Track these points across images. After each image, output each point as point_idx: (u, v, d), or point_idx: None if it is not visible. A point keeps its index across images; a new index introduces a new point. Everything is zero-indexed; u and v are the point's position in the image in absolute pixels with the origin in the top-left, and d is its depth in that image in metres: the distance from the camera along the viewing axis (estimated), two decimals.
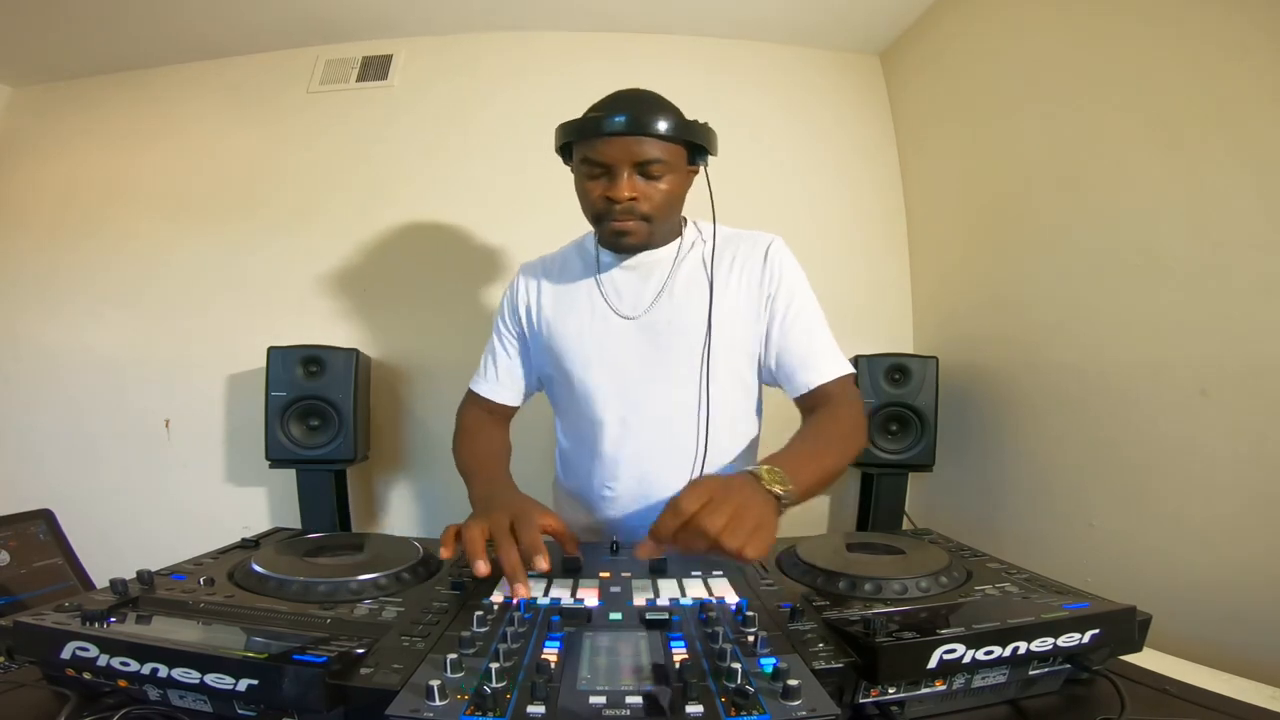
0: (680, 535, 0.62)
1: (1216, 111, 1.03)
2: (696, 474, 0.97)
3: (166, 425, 1.85)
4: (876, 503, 1.65)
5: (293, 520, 1.62)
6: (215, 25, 1.83)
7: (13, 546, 0.86)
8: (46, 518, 0.93)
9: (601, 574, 0.74)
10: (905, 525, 1.66)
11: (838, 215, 1.92)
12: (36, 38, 1.82)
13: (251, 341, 1.75)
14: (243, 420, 1.81)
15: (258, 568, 0.70)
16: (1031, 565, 0.77)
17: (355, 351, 1.63)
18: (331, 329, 1.85)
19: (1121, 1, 1.21)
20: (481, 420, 1.09)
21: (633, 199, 0.89)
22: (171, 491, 1.82)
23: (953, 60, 1.71)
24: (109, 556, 1.67)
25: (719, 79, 1.93)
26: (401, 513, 1.88)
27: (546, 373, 1.07)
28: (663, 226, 0.96)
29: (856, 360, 1.64)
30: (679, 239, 1.03)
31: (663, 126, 0.87)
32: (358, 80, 1.94)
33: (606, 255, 1.03)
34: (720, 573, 0.75)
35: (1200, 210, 1.06)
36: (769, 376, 1.02)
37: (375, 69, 1.94)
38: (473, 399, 1.10)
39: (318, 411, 1.60)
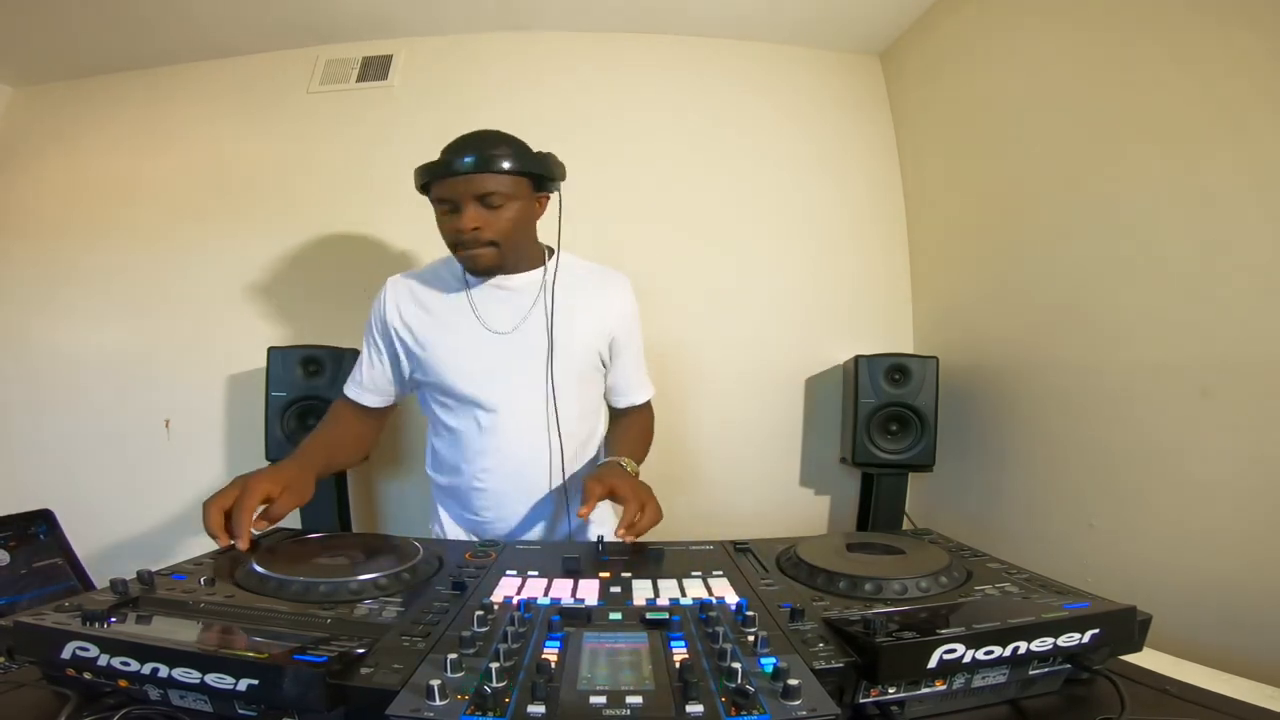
0: (628, 526, 0.89)
1: (1217, 112, 1.03)
2: (568, 467, 1.14)
3: (166, 425, 1.85)
4: (876, 503, 1.65)
5: (293, 520, 1.61)
6: (216, 25, 1.83)
7: (13, 546, 0.86)
8: (46, 518, 0.93)
9: (601, 574, 0.75)
10: (905, 525, 1.66)
11: (837, 215, 1.92)
12: (37, 38, 1.82)
13: (251, 341, 1.75)
14: (243, 420, 1.81)
15: (258, 568, 0.70)
16: (1031, 565, 0.77)
17: (355, 351, 1.62)
18: (331, 329, 1.85)
19: (1121, 2, 1.21)
20: (338, 413, 1.20)
21: (476, 229, 1.01)
22: (171, 491, 1.82)
23: (953, 61, 1.71)
24: (109, 556, 1.69)
25: (719, 79, 1.93)
26: (401, 513, 1.88)
27: (420, 380, 1.16)
28: (512, 250, 1.07)
29: (857, 360, 1.64)
30: (542, 266, 1.15)
31: (496, 162, 1.00)
32: (358, 80, 1.94)
33: (474, 277, 1.13)
34: (720, 572, 0.76)
35: (1200, 210, 1.06)
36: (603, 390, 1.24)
37: (375, 69, 1.94)
38: (343, 400, 1.21)
39: (317, 412, 1.60)
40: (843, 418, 1.78)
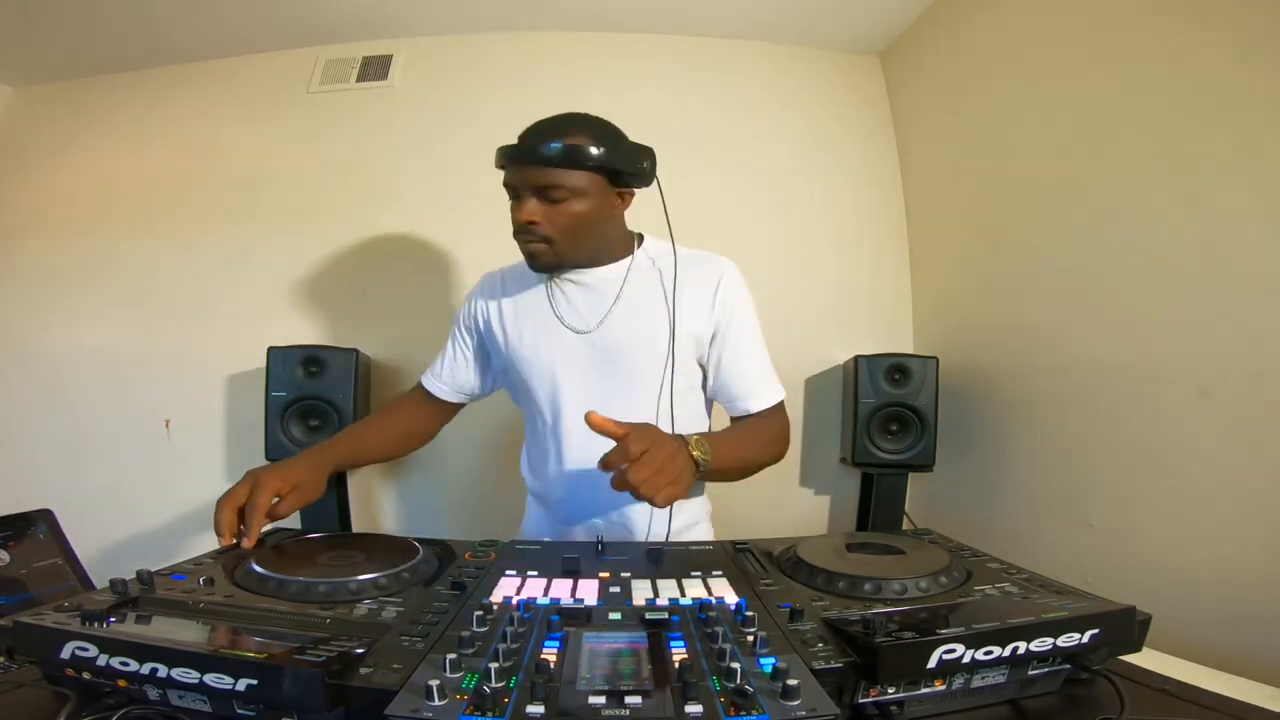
0: (623, 472, 0.73)
1: (1217, 112, 1.03)
2: None
3: (166, 425, 1.86)
4: (876, 503, 1.65)
5: (293, 520, 1.62)
6: (216, 25, 1.83)
7: (13, 546, 0.86)
8: (46, 518, 0.93)
9: (601, 574, 0.74)
10: (905, 525, 1.66)
11: (838, 215, 1.92)
12: (36, 38, 1.82)
13: (251, 341, 1.75)
14: (243, 420, 1.81)
15: (258, 568, 0.70)
16: (1031, 565, 0.77)
17: (355, 351, 1.63)
18: (331, 329, 1.85)
19: (1121, 2, 1.21)
20: (400, 403, 1.17)
21: (531, 222, 0.94)
22: (171, 491, 1.82)
23: (953, 60, 1.71)
24: (109, 556, 1.69)
25: (719, 79, 1.93)
26: (401, 513, 1.88)
27: (511, 378, 1.11)
28: (576, 248, 0.99)
29: (856, 360, 1.64)
30: (629, 257, 1.06)
31: (559, 154, 0.91)
32: (358, 80, 1.94)
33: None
34: (720, 572, 0.75)
35: (1200, 210, 1.05)
36: (711, 394, 1.09)
37: (375, 69, 1.94)
38: (417, 387, 1.17)
39: (318, 411, 1.60)
40: (843, 418, 1.78)
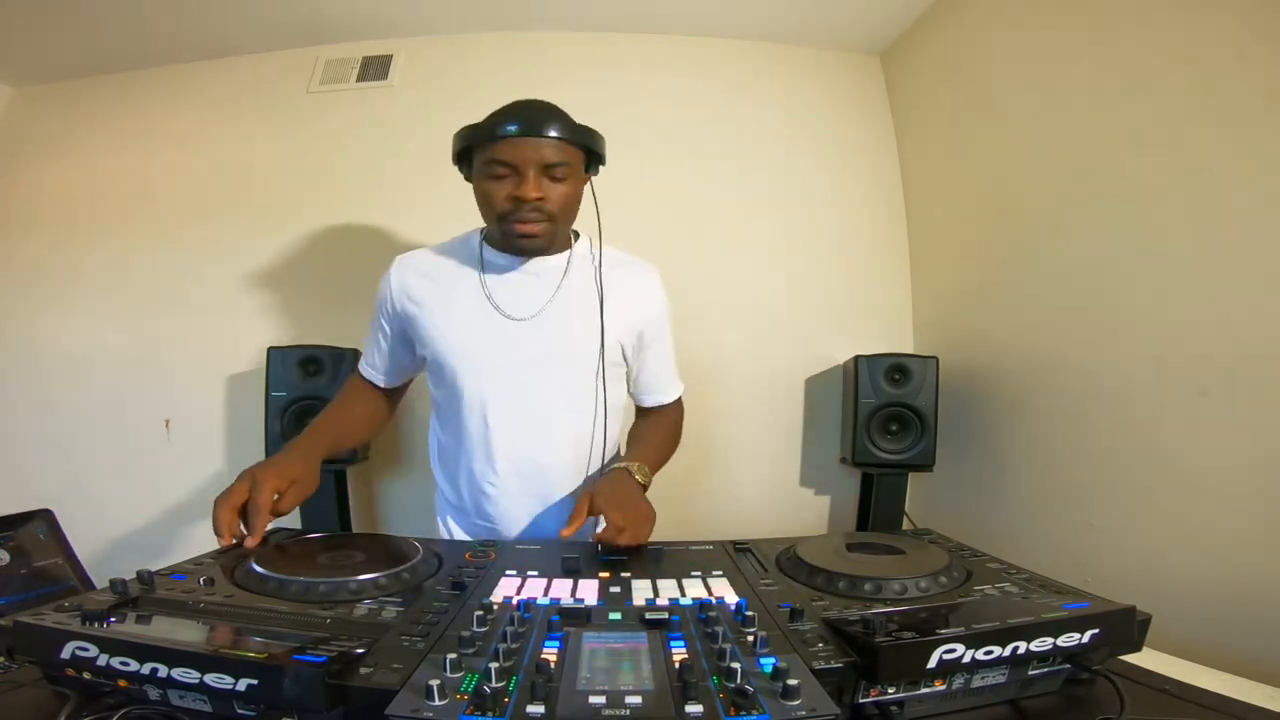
0: (596, 536, 0.84)
1: (1216, 111, 1.03)
2: (591, 469, 1.09)
3: (166, 425, 1.85)
4: (876, 503, 1.65)
5: (293, 520, 1.62)
6: (215, 25, 1.83)
7: (13, 546, 0.86)
8: (46, 518, 0.93)
9: (601, 574, 0.75)
10: (905, 525, 1.66)
11: (838, 215, 1.92)
12: (37, 38, 1.82)
13: (251, 341, 1.75)
14: (243, 420, 1.81)
15: (258, 568, 0.70)
16: (1031, 565, 0.77)
17: (355, 351, 1.63)
18: (331, 329, 1.85)
19: (1121, 2, 1.21)
20: (353, 389, 1.16)
21: (540, 199, 0.94)
22: (171, 491, 1.82)
23: (953, 61, 1.71)
24: (109, 556, 1.69)
25: (719, 79, 1.93)
26: (401, 513, 1.88)
27: (430, 365, 1.09)
28: (563, 229, 1.02)
29: (857, 360, 1.64)
30: (569, 250, 1.08)
31: (567, 130, 0.95)
32: (358, 80, 1.94)
33: (495, 256, 1.06)
34: (720, 572, 0.76)
35: (1200, 210, 1.05)
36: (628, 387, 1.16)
37: (375, 69, 1.94)
38: (357, 374, 1.17)
39: (318, 411, 1.59)
40: (843, 418, 1.78)
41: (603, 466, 1.08)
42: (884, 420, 1.61)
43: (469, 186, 1.98)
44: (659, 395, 1.16)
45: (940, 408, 1.59)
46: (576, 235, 1.11)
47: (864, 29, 1.89)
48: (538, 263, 1.05)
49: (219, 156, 1.94)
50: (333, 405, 1.14)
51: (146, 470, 1.85)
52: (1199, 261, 1.06)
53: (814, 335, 1.89)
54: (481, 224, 1.07)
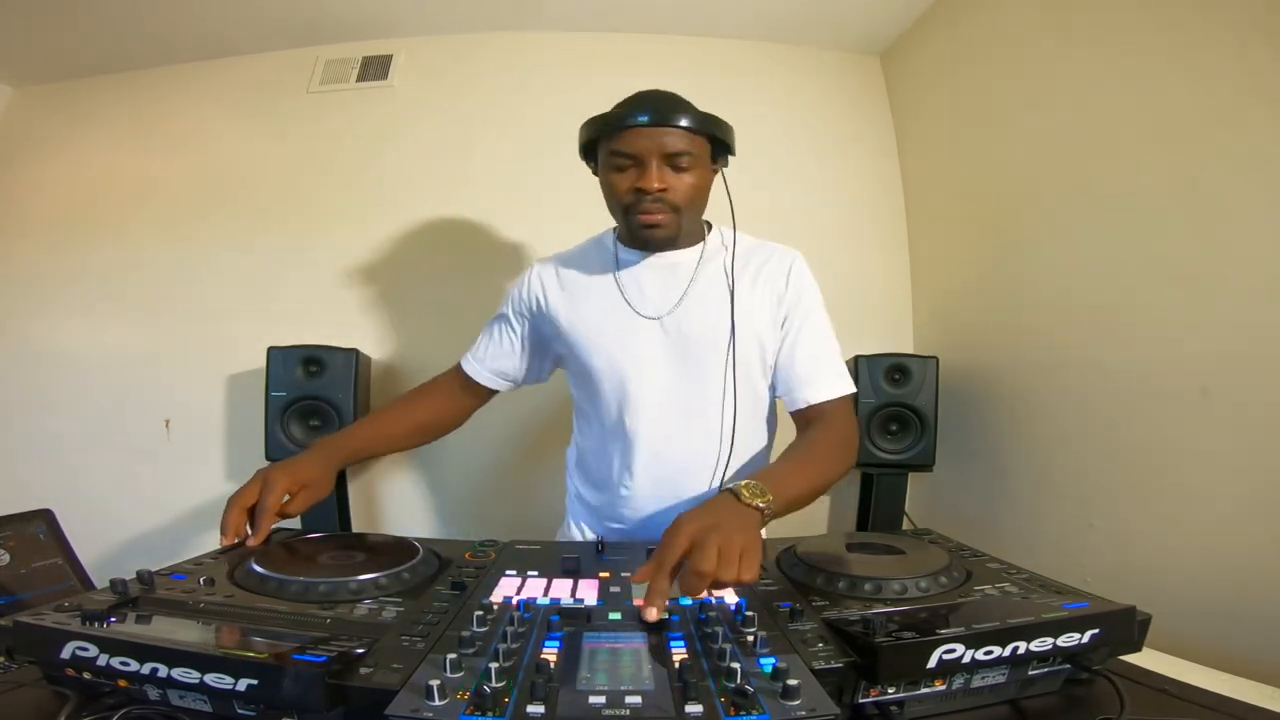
0: (681, 583, 0.61)
1: (1217, 111, 1.03)
2: (720, 476, 0.98)
3: (166, 425, 1.85)
4: (876, 503, 1.65)
5: (293, 520, 1.62)
6: (215, 25, 1.83)
7: (13, 546, 0.86)
8: (46, 518, 0.93)
9: (601, 574, 0.74)
10: (905, 525, 1.66)
11: (837, 215, 1.92)
12: (36, 38, 1.82)
13: (251, 341, 1.75)
14: (243, 420, 1.81)
15: (258, 568, 0.70)
16: (1031, 565, 0.77)
17: (355, 351, 1.63)
18: (331, 329, 1.85)
19: (1121, 1, 1.21)
20: (433, 388, 1.12)
21: (662, 189, 0.92)
22: (171, 491, 1.82)
23: (953, 61, 1.70)
24: (109, 556, 1.69)
25: (719, 79, 1.93)
26: (401, 513, 1.88)
27: (570, 367, 1.08)
28: (690, 221, 0.98)
29: (857, 360, 1.64)
30: (702, 242, 1.04)
31: (689, 119, 0.92)
32: (358, 80, 1.94)
33: (627, 253, 1.04)
34: None
35: (1200, 210, 1.05)
36: (772, 389, 1.04)
37: (375, 69, 1.94)
38: (454, 370, 1.13)
39: (318, 411, 1.60)
40: None
41: (722, 479, 0.97)
42: (884, 420, 1.61)
43: (469, 186, 1.98)
44: (807, 390, 0.96)
45: (940, 408, 1.59)
46: (709, 227, 1.07)
47: (864, 29, 1.89)
48: (668, 256, 1.02)
49: (219, 156, 1.94)
50: (394, 404, 1.11)
51: (146, 470, 1.85)
52: (1199, 261, 1.06)
53: None
54: (611, 224, 1.06)
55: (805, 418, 0.97)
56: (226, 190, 1.91)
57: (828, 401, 0.96)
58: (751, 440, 1.02)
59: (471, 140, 1.90)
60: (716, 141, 0.96)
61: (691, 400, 0.99)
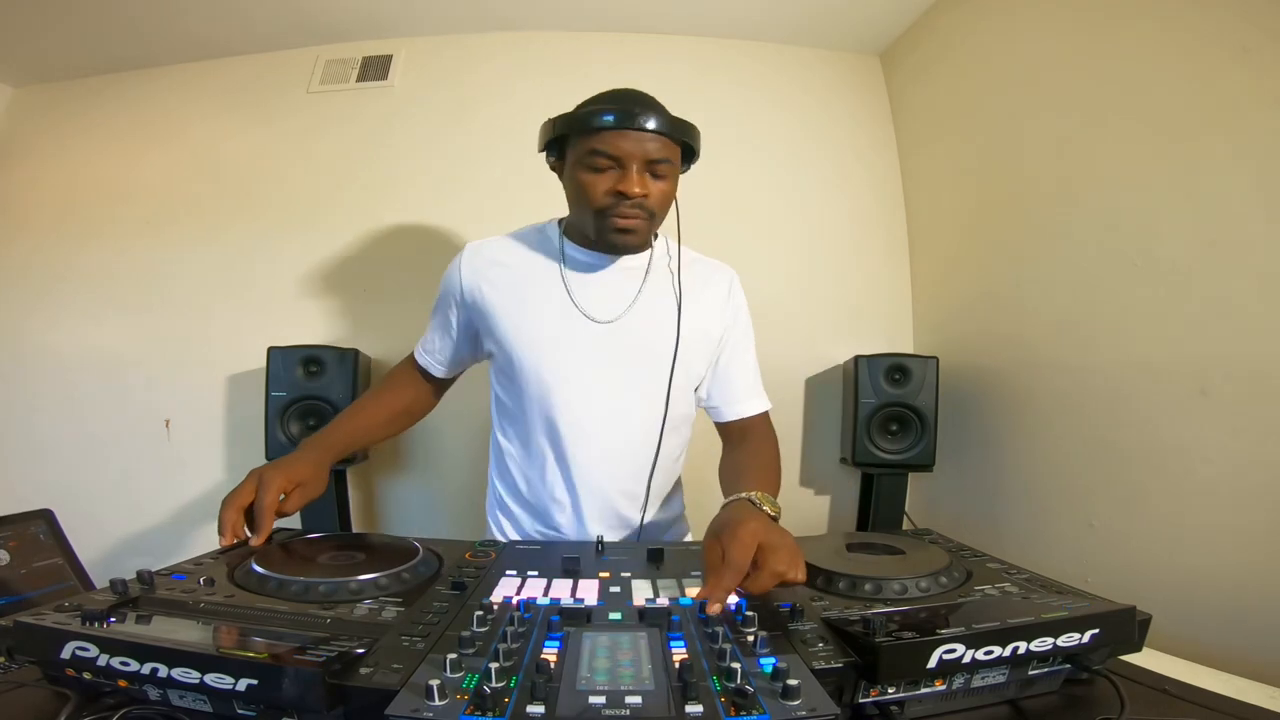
0: (752, 583, 0.65)
1: (1216, 111, 1.03)
2: (646, 484, 1.00)
3: (166, 425, 1.85)
4: (876, 503, 1.65)
5: (293, 520, 1.62)
6: (215, 25, 1.83)
7: (13, 546, 0.86)
8: (46, 518, 0.93)
9: (601, 574, 0.74)
10: (905, 525, 1.66)
11: (837, 215, 1.92)
12: (36, 38, 1.82)
13: (251, 341, 1.75)
14: (243, 420, 1.81)
15: (258, 568, 0.70)
16: (1031, 565, 0.77)
17: (355, 351, 1.63)
18: (331, 329, 1.85)
19: (1121, 1, 1.21)
20: (396, 379, 1.12)
21: (644, 195, 0.90)
22: (171, 491, 1.82)
23: (953, 61, 1.71)
24: (109, 556, 1.69)
25: (718, 79, 1.93)
26: (401, 513, 1.88)
27: (496, 365, 1.05)
28: (657, 228, 0.98)
29: (856, 360, 1.64)
30: (649, 250, 1.03)
31: (675, 127, 0.90)
32: (358, 80, 1.94)
33: (578, 251, 1.01)
34: None
35: (1200, 210, 1.06)
36: (701, 395, 1.08)
37: (375, 69, 1.94)
38: (410, 360, 1.12)
39: (318, 411, 1.60)
40: (843, 418, 1.78)
41: (650, 482, 1.00)
42: (884, 420, 1.61)
43: (469, 186, 1.97)
44: (741, 405, 1.05)
45: (940, 408, 1.59)
46: (655, 235, 1.06)
47: (864, 29, 1.89)
48: (623, 261, 1.00)
49: (219, 156, 1.94)
50: (367, 396, 1.10)
51: (146, 470, 1.85)
52: (1199, 261, 1.06)
53: (814, 335, 1.89)
54: (554, 216, 1.04)
55: (737, 428, 1.06)
56: (226, 190, 1.91)
57: (758, 415, 1.06)
58: (674, 449, 1.05)
59: (471, 140, 1.90)
60: (687, 149, 0.95)
61: (629, 407, 0.99)
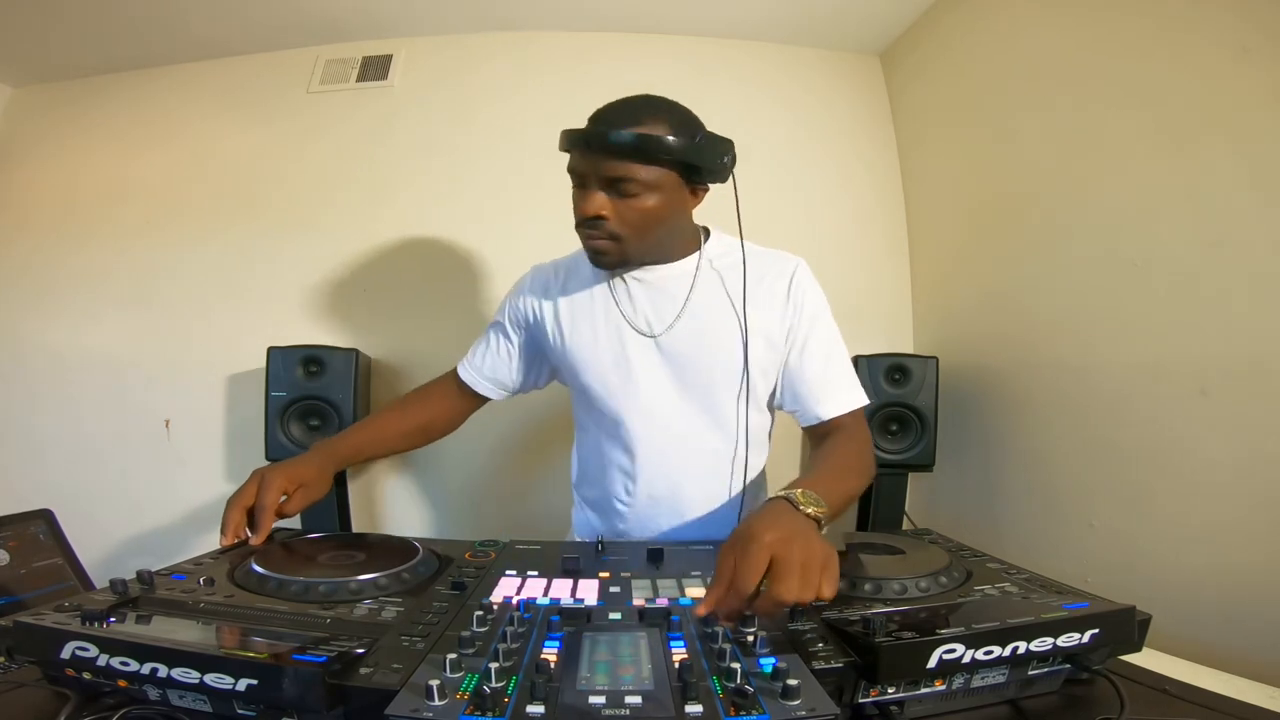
0: (759, 606, 0.58)
1: (1216, 111, 1.03)
2: (734, 492, 0.96)
3: (166, 425, 1.85)
4: (876, 503, 1.65)
5: (293, 520, 1.61)
6: (215, 25, 1.83)
7: (13, 546, 0.86)
8: (46, 518, 0.93)
9: (601, 574, 0.74)
10: (905, 525, 1.66)
11: (837, 215, 1.92)
12: (36, 38, 1.82)
13: (251, 341, 1.75)
14: (243, 420, 1.81)
15: (258, 568, 0.70)
16: (1031, 565, 0.77)
17: (355, 351, 1.63)
18: (331, 329, 1.85)
19: (1122, 1, 1.21)
20: (430, 391, 1.10)
21: (598, 217, 0.86)
22: (171, 491, 1.82)
23: (953, 60, 1.71)
24: (109, 556, 1.69)
25: (718, 79, 1.93)
26: (401, 513, 1.88)
27: (565, 379, 1.06)
28: (646, 246, 0.92)
29: (856, 360, 1.64)
30: (697, 253, 0.99)
31: (633, 146, 0.82)
32: (358, 80, 1.94)
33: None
34: None
35: (1200, 210, 1.05)
36: (779, 401, 1.00)
37: (375, 69, 1.94)
38: (451, 375, 1.11)
39: (318, 411, 1.60)
40: None
41: (743, 491, 0.96)
42: (884, 420, 1.61)
43: (469, 186, 1.98)
44: (821, 407, 0.94)
45: (940, 408, 1.59)
46: (707, 234, 1.02)
47: (864, 29, 1.89)
48: (657, 271, 0.96)
49: (219, 156, 1.94)
50: (388, 407, 1.09)
51: (146, 470, 1.85)
52: (1199, 261, 1.06)
53: None
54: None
55: (820, 431, 0.95)
56: (227, 190, 1.91)
57: (844, 415, 0.94)
58: (756, 458, 0.99)
59: (472, 140, 1.90)
60: (689, 166, 0.87)
61: (693, 418, 0.96)
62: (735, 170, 0.93)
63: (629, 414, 0.96)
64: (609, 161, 0.84)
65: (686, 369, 0.95)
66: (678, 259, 0.98)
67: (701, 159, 0.87)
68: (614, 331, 0.96)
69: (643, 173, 0.85)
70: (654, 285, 0.97)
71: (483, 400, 1.11)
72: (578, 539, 1.10)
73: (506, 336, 1.06)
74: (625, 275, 0.98)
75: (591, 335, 0.98)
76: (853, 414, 0.95)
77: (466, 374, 1.08)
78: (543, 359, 1.07)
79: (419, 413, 1.09)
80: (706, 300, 0.96)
